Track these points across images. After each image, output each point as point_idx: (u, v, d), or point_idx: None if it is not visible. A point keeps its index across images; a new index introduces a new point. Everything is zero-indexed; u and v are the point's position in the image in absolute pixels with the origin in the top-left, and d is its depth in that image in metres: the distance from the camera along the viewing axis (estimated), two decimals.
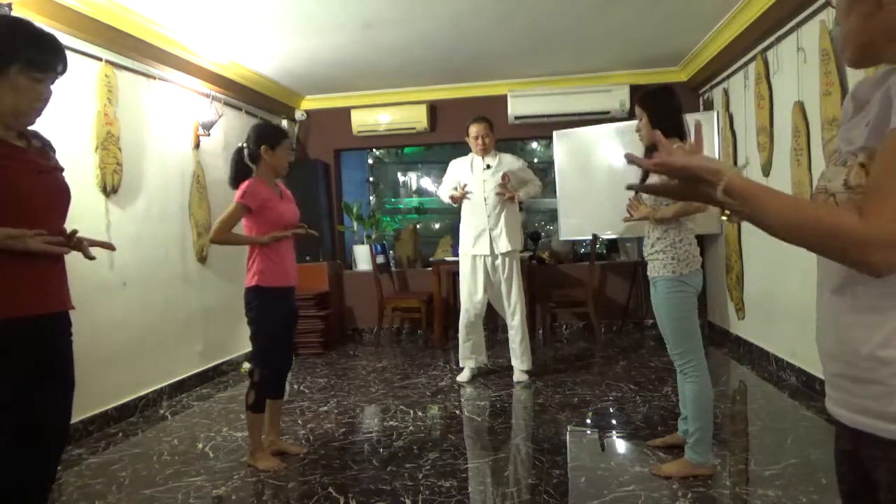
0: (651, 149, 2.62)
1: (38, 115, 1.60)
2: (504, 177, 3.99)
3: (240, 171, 2.80)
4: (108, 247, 1.82)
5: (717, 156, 4.86)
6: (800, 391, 3.52)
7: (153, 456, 2.98)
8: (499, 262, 4.07)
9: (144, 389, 3.76)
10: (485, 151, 4.06)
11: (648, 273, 2.56)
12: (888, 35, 0.87)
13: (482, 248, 4.05)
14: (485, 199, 4.04)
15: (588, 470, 2.63)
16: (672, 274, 2.43)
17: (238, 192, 2.69)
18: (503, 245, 4.02)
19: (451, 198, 4.11)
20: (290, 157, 2.84)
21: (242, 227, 2.77)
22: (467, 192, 4.05)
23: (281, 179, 2.93)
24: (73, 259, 1.74)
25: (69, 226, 1.73)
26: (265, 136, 2.78)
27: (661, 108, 2.51)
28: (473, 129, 4.05)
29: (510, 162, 4.12)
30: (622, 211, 5.35)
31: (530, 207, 7.52)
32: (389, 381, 4.26)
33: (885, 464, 0.88)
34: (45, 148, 1.70)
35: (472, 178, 4.09)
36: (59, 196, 1.69)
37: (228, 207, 2.68)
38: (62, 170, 1.75)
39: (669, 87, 2.65)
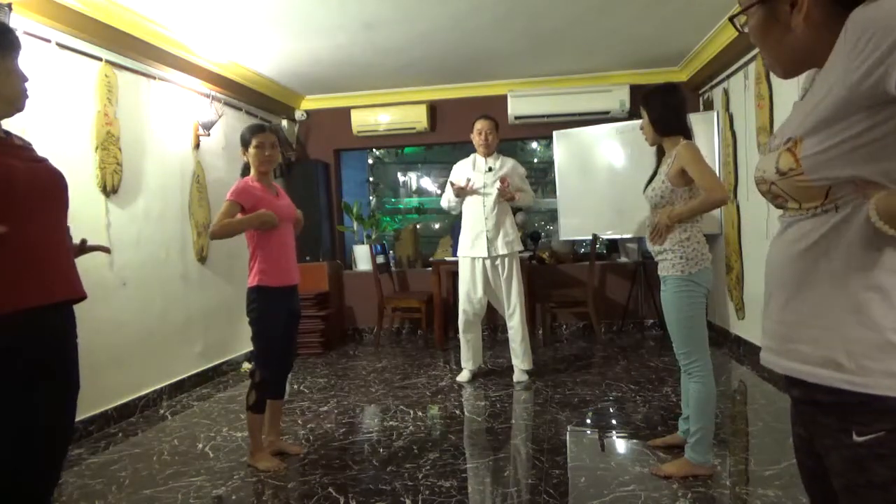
0: (660, 148, 2.61)
1: (28, 96, 1.64)
2: (503, 180, 3.99)
3: (245, 175, 2.88)
4: (105, 250, 1.93)
5: (716, 156, 4.85)
6: None
7: (153, 456, 2.99)
8: (498, 262, 4.07)
9: (144, 389, 3.76)
10: (487, 149, 4.06)
11: (658, 272, 2.54)
12: (807, 49, 0.96)
13: (479, 250, 4.05)
14: (483, 202, 4.04)
15: (588, 470, 2.63)
16: (681, 273, 2.41)
17: (230, 191, 2.72)
18: (500, 248, 4.02)
19: (455, 189, 4.06)
20: (266, 153, 2.78)
21: (244, 233, 2.76)
22: (472, 185, 4.04)
23: (280, 180, 2.93)
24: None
25: (71, 227, 1.73)
26: (241, 140, 2.83)
27: (662, 107, 2.49)
28: (478, 125, 4.06)
29: (511, 167, 4.12)
30: (622, 211, 5.36)
31: (530, 207, 7.52)
32: (389, 381, 4.26)
33: (837, 451, 0.92)
34: (26, 144, 1.69)
35: (474, 178, 4.09)
36: (52, 183, 1.66)
37: (223, 206, 2.69)
38: (47, 160, 1.73)
39: (672, 86, 2.61)
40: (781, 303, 1.00)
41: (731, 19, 1.09)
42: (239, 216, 2.69)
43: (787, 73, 1.04)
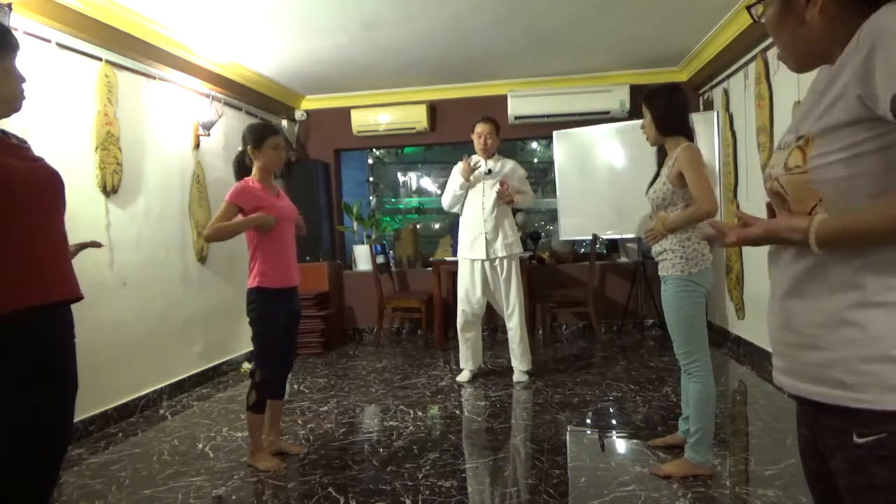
0: (661, 149, 2.61)
1: (25, 97, 1.64)
2: (503, 183, 3.98)
3: (241, 174, 2.83)
4: (96, 245, 1.97)
5: (716, 156, 4.85)
6: None
7: (153, 456, 2.98)
8: (496, 264, 4.07)
9: (144, 389, 3.76)
10: (486, 152, 4.06)
11: (659, 272, 2.54)
12: (820, 44, 0.96)
13: (478, 252, 4.05)
14: (482, 204, 4.03)
15: (588, 470, 2.63)
16: (680, 273, 2.41)
17: (229, 192, 2.70)
18: (499, 250, 4.02)
19: (464, 169, 4.00)
20: (281, 155, 2.81)
21: (244, 233, 2.76)
22: (478, 163, 4.01)
23: (280, 180, 2.93)
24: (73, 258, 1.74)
25: (69, 225, 1.73)
26: (250, 138, 2.80)
27: (664, 107, 2.47)
28: (478, 128, 4.05)
29: (511, 169, 4.12)
30: (622, 211, 5.36)
31: (531, 207, 7.53)
32: (389, 381, 4.26)
33: (840, 452, 0.93)
34: (22, 143, 1.69)
35: (474, 180, 4.08)
36: (50, 183, 1.66)
37: (220, 206, 2.68)
38: (43, 159, 1.73)
39: (675, 86, 2.61)
40: (784, 322, 1.01)
41: (748, 8, 1.08)
42: (238, 217, 2.68)
43: (799, 67, 1.03)
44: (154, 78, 3.98)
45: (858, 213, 0.87)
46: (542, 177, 7.70)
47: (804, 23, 0.95)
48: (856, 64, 0.86)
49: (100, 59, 3.47)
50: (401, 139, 6.13)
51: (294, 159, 5.80)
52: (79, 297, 1.70)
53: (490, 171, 4.06)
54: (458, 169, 4.19)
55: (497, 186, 3.98)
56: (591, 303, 5.09)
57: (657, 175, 2.57)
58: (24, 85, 1.60)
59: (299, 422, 3.44)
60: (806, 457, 1.08)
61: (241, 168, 2.84)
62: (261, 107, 5.34)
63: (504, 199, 3.97)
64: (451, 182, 4.22)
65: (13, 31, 1.64)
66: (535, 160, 7.85)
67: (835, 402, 0.91)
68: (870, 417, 0.87)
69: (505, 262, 4.06)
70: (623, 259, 5.80)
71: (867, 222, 0.85)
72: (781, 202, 1.00)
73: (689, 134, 2.49)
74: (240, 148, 2.84)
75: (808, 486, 1.09)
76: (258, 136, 2.78)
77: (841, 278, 0.91)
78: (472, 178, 4.04)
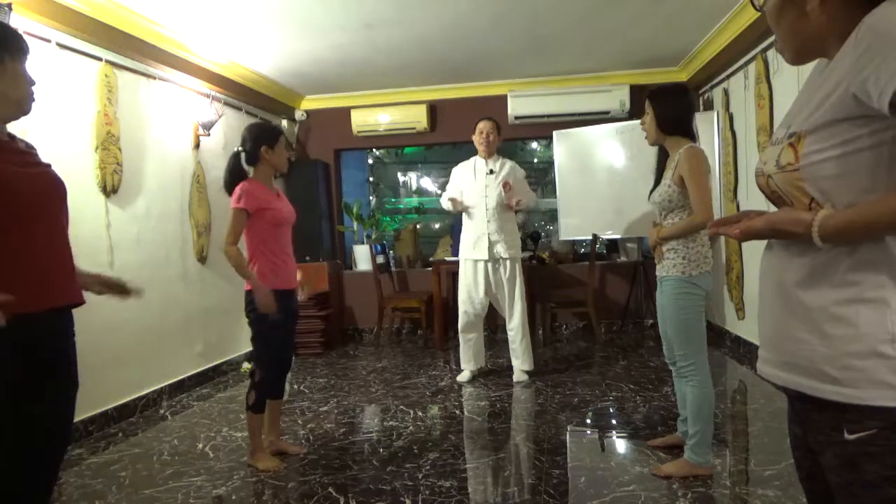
0: (661, 149, 2.59)
1: (34, 100, 1.64)
2: (506, 185, 3.98)
3: (236, 176, 2.75)
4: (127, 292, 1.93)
5: (716, 156, 4.85)
6: None
7: (153, 456, 2.99)
8: (499, 264, 4.07)
9: (144, 389, 3.76)
10: (488, 149, 4.04)
11: (657, 272, 2.52)
12: (818, 37, 0.96)
13: (481, 252, 4.05)
14: (486, 205, 4.03)
15: (588, 470, 2.63)
16: (681, 274, 2.38)
17: (234, 198, 2.66)
18: (502, 251, 4.02)
19: (452, 202, 4.09)
20: (290, 154, 2.82)
21: (244, 235, 2.74)
22: (468, 207, 4.05)
23: (279, 180, 2.92)
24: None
25: (71, 227, 1.73)
26: (263, 137, 2.76)
27: (670, 107, 2.45)
28: (480, 125, 4.05)
29: (512, 170, 4.11)
30: (622, 211, 5.36)
31: (534, 208, 7.53)
32: (389, 381, 4.26)
33: (831, 448, 0.93)
34: (30, 148, 1.69)
35: (475, 183, 4.08)
36: (53, 190, 1.66)
37: (230, 216, 2.66)
38: (50, 166, 1.73)
39: (683, 86, 2.61)
40: (774, 315, 1.01)
41: None
42: (244, 232, 2.68)
43: (795, 60, 1.03)
44: (154, 78, 3.98)
45: (861, 207, 0.86)
46: (542, 177, 7.70)
47: (804, 14, 0.96)
48: (852, 59, 0.86)
49: (100, 59, 3.47)
50: (401, 139, 6.13)
51: (294, 159, 5.80)
52: (80, 303, 1.71)
53: (492, 171, 4.06)
54: (457, 172, 4.19)
55: (500, 188, 3.98)
56: (591, 303, 5.09)
57: (658, 180, 2.55)
58: (33, 88, 1.61)
59: (299, 422, 3.44)
60: (798, 455, 1.08)
61: (238, 170, 2.76)
62: (261, 107, 5.34)
63: (509, 203, 3.98)
64: (450, 188, 4.22)
65: (23, 36, 1.64)
66: (535, 160, 7.85)
67: (824, 396, 0.91)
68: (860, 413, 0.88)
69: (508, 262, 4.06)
70: (623, 259, 5.80)
71: (872, 215, 0.85)
72: (780, 200, 1.00)
73: (692, 136, 2.47)
74: (237, 149, 2.80)
75: (801, 485, 1.09)
76: (272, 135, 2.75)
77: (833, 274, 0.91)
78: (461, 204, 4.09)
